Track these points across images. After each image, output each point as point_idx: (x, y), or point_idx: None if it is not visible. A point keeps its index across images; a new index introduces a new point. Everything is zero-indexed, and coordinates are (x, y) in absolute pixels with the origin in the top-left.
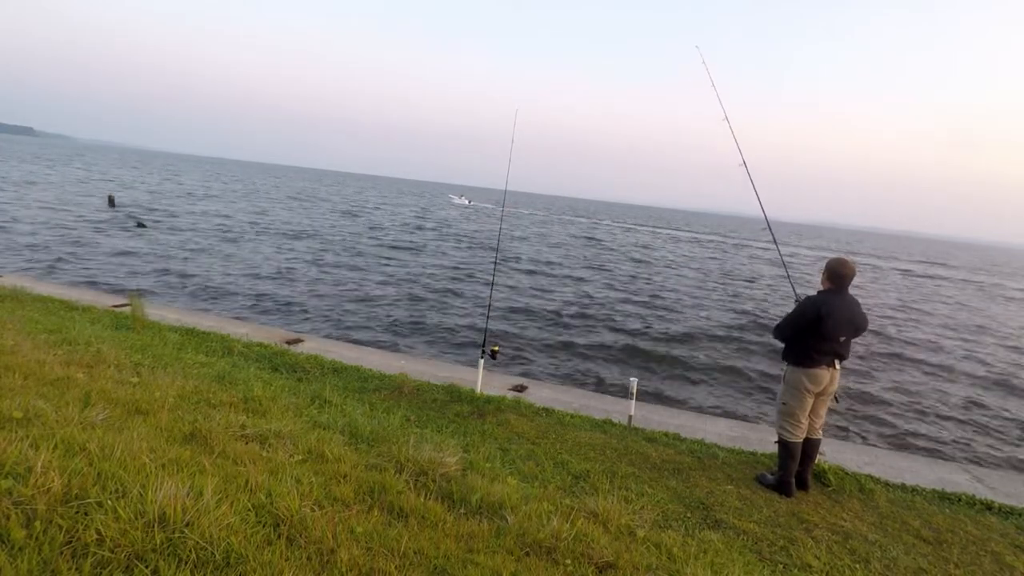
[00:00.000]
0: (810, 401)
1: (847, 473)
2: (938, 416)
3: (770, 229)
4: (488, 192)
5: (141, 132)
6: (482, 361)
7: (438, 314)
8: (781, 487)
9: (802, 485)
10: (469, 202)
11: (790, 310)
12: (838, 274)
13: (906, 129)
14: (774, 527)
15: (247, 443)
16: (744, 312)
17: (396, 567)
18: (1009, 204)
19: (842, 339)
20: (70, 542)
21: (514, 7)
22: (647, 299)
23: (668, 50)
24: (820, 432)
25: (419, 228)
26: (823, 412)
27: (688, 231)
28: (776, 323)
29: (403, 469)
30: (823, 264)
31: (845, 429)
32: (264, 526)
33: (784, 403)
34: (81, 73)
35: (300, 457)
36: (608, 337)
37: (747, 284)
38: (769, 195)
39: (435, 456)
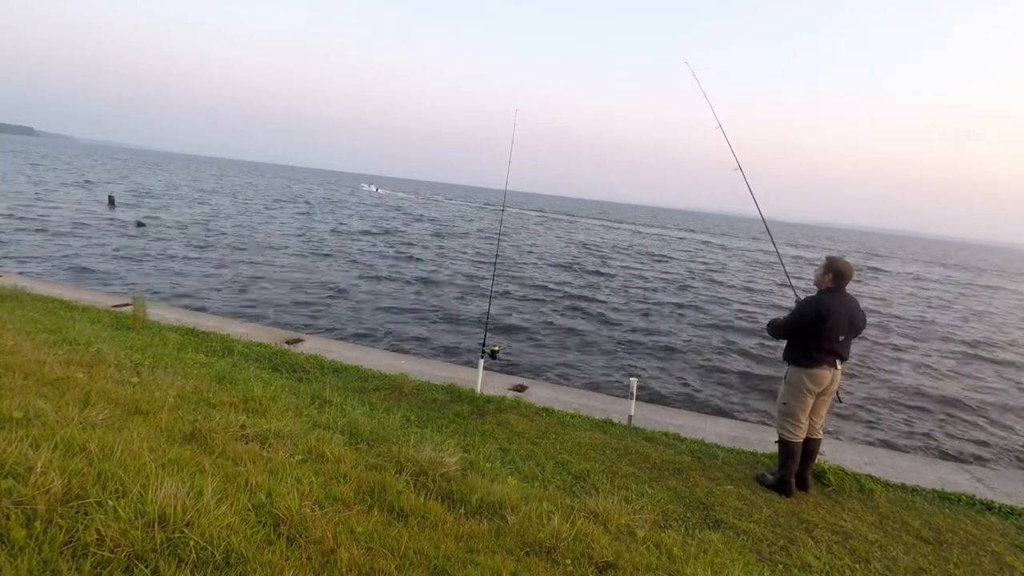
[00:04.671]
0: (811, 401)
1: (847, 473)
2: (938, 416)
3: (768, 231)
4: (485, 192)
5: (141, 132)
6: (482, 361)
7: (437, 313)
8: (781, 487)
9: (802, 485)
10: (377, 190)
11: (789, 310)
12: (838, 273)
13: (906, 129)
14: (774, 527)
15: (247, 443)
16: (746, 312)
17: (396, 567)
18: (1009, 204)
19: (841, 339)
20: (70, 542)
21: (508, 5)
22: (648, 299)
23: (668, 49)
24: (821, 432)
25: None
26: (824, 412)
27: (688, 232)
28: (772, 319)
29: (403, 469)
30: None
31: (845, 429)
32: (264, 526)
33: (785, 403)
34: (81, 73)
35: (300, 457)
36: (609, 337)
37: (747, 284)
38: (770, 195)
39: (435, 456)
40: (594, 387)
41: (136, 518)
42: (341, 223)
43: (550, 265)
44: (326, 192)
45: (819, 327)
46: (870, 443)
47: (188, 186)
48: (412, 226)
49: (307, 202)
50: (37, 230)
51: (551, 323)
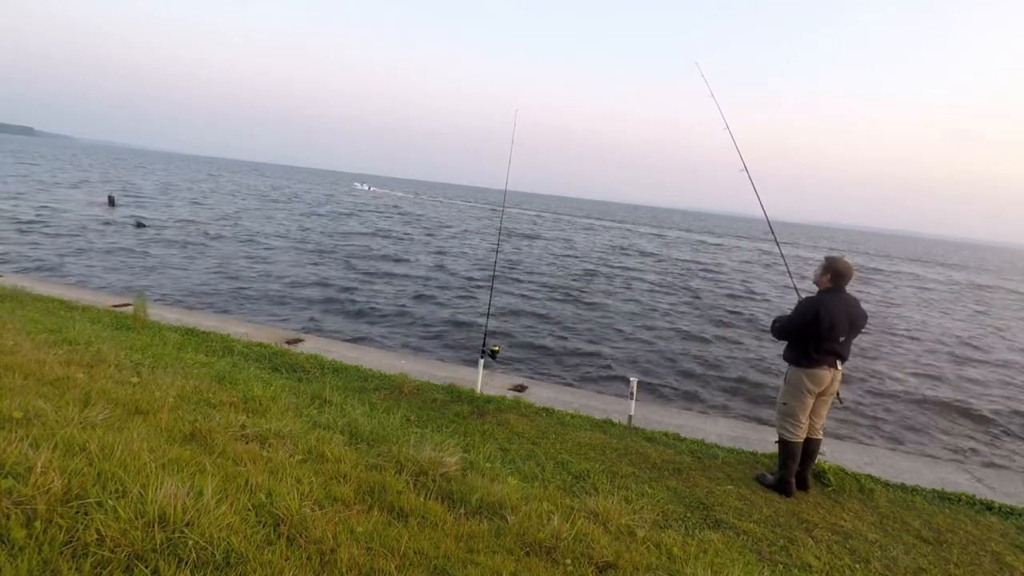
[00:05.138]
0: (811, 401)
1: (847, 473)
2: (938, 416)
3: (772, 232)
4: (485, 192)
5: (141, 132)
6: (482, 361)
7: (436, 313)
8: (781, 487)
9: (802, 485)
10: (369, 188)
11: (790, 309)
12: (837, 273)
13: (906, 129)
14: (774, 527)
15: (247, 443)
16: (747, 312)
17: (396, 567)
18: (1009, 204)
19: (841, 339)
20: (70, 542)
21: (508, 5)
22: (649, 299)
23: (668, 49)
24: (821, 432)
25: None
26: (824, 412)
27: (688, 232)
28: (773, 320)
29: (403, 469)
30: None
31: (845, 429)
32: (264, 526)
33: (785, 403)
34: (81, 73)
35: (300, 457)
36: (610, 337)
37: (748, 284)
38: (769, 195)
39: (435, 456)
40: (594, 387)
41: (136, 518)
42: (342, 223)
43: (551, 265)
44: (325, 192)
45: (818, 327)
46: (870, 443)
47: (187, 186)
48: (411, 226)
49: (306, 202)
50: (36, 230)
51: (551, 323)
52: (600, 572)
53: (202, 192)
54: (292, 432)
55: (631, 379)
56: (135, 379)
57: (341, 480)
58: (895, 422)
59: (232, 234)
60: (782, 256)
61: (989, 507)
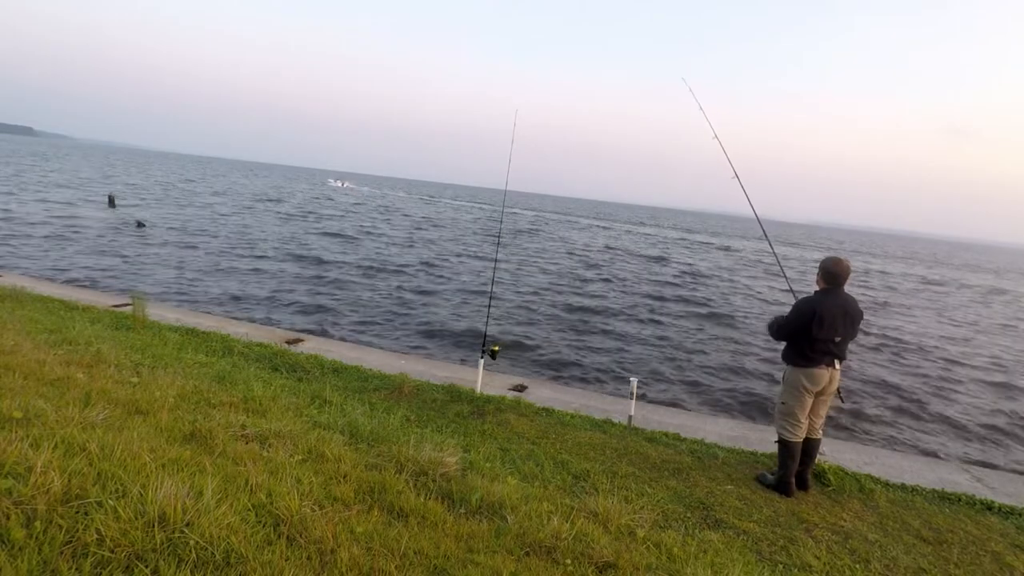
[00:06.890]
0: (809, 401)
1: (847, 473)
2: (939, 415)
3: (765, 234)
4: (484, 192)
5: (141, 132)
6: (482, 361)
7: (436, 314)
8: (781, 487)
9: (802, 485)
10: (344, 184)
11: (788, 309)
12: (831, 273)
13: (906, 129)
14: (774, 527)
15: (247, 443)
16: (747, 311)
17: (396, 567)
18: (1009, 204)
19: (837, 339)
20: (70, 542)
21: (509, 8)
22: (649, 299)
23: (670, 51)
24: (820, 432)
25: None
26: (823, 412)
27: (688, 232)
28: (772, 321)
29: (403, 469)
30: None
31: (845, 429)
32: (264, 526)
33: (783, 403)
34: (81, 73)
35: (300, 457)
36: (610, 337)
37: (747, 284)
38: (769, 195)
39: (435, 456)
40: (594, 387)
41: (136, 518)
42: (343, 223)
43: (551, 265)
44: (323, 191)
45: (814, 327)
46: (870, 443)
47: (187, 186)
48: (409, 226)
49: (299, 204)
50: (36, 230)
51: (551, 323)
52: (600, 572)
53: (205, 192)
54: (292, 432)
55: (631, 379)
56: (135, 379)
57: (341, 480)
58: (896, 422)
59: (234, 234)
60: (775, 256)
61: (989, 507)
